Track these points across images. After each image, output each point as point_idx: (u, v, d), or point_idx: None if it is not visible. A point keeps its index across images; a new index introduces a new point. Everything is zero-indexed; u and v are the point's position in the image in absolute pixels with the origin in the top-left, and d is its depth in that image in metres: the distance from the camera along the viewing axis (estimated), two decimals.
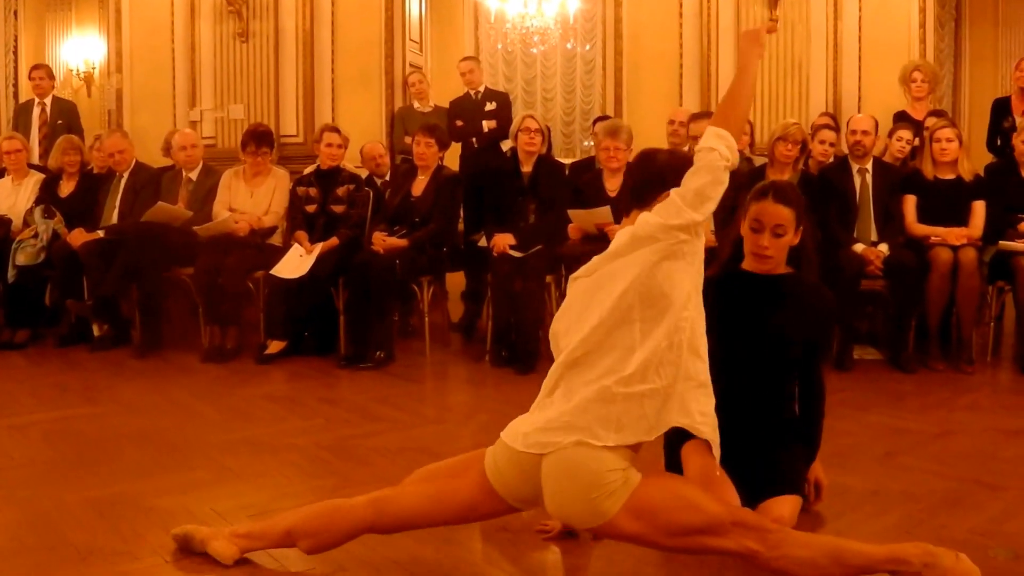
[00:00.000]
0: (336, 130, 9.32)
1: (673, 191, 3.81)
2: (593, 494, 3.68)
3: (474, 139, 11.96)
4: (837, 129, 9.78)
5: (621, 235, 3.92)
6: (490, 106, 12.05)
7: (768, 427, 4.43)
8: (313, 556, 4.02)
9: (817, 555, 3.66)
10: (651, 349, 3.73)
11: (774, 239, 4.39)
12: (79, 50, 17.76)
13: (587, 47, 18.23)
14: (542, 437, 3.79)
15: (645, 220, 3.81)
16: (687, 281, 3.78)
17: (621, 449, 3.71)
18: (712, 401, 3.85)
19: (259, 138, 9.23)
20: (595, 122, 11.15)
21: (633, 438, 3.73)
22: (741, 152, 9.56)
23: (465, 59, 13.15)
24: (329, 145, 9.11)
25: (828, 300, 4.57)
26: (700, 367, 3.81)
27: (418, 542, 4.23)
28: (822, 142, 8.98)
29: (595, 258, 3.98)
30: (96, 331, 9.22)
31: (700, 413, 3.78)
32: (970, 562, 3.69)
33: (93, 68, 17.58)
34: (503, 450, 3.92)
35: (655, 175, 3.99)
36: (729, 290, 4.13)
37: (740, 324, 4.18)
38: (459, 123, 11.97)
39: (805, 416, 4.57)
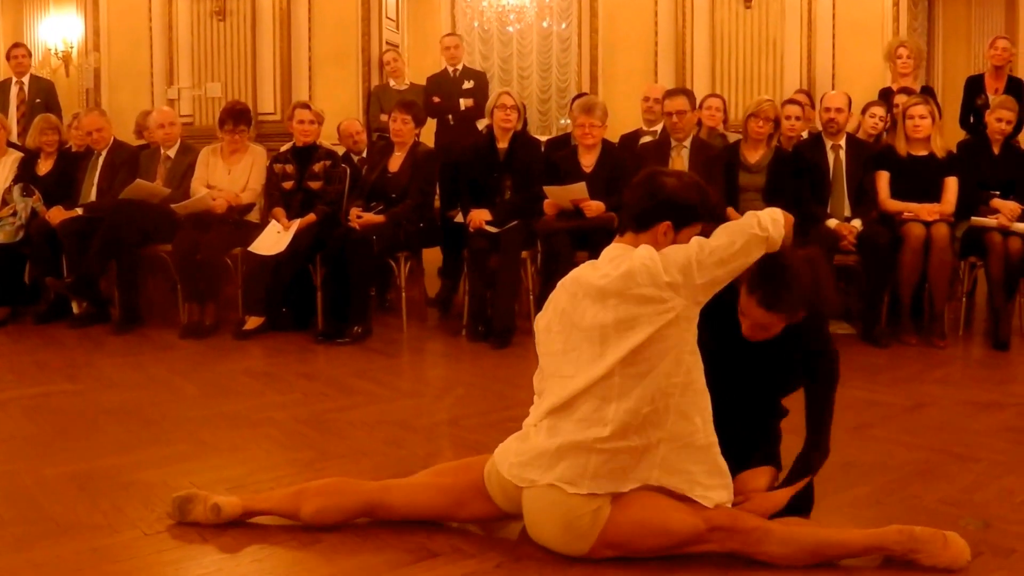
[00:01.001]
0: (307, 106, 9.34)
1: (695, 240, 3.79)
2: (565, 536, 3.77)
3: (450, 116, 11.99)
4: (812, 105, 9.86)
5: (615, 261, 3.88)
6: (468, 84, 12.10)
7: (756, 433, 4.40)
8: (289, 530, 4.06)
9: (796, 551, 3.70)
10: (631, 411, 3.71)
11: (760, 330, 4.15)
12: (57, 29, 17.69)
13: (563, 26, 18.26)
14: (522, 471, 3.87)
15: (644, 265, 3.74)
16: (679, 347, 3.75)
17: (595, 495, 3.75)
18: (700, 458, 3.82)
19: (237, 116, 9.22)
20: (573, 100, 11.19)
21: (606, 488, 3.74)
22: (714, 128, 9.71)
23: (450, 35, 13.34)
24: (301, 122, 9.11)
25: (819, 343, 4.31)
26: (689, 428, 3.77)
27: None
28: (787, 117, 8.99)
29: (586, 275, 3.95)
30: (75, 308, 9.22)
31: (685, 472, 3.78)
32: (960, 541, 3.75)
33: (71, 47, 17.51)
34: (493, 467, 4.00)
35: (658, 207, 3.93)
36: (722, 318, 4.07)
37: (727, 354, 4.10)
38: (436, 99, 12.00)
39: (811, 430, 4.31)
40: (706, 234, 3.85)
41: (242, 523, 4.15)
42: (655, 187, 3.99)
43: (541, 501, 3.81)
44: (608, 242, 4.05)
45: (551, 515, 3.79)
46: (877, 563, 3.74)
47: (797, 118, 9.22)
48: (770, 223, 3.80)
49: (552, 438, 3.82)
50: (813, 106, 10.18)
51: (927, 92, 9.91)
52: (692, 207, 3.95)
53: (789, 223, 3.93)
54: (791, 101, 9.58)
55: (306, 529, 4.08)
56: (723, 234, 3.78)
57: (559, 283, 4.07)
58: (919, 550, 3.70)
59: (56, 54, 17.60)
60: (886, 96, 9.93)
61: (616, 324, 3.76)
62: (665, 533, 3.73)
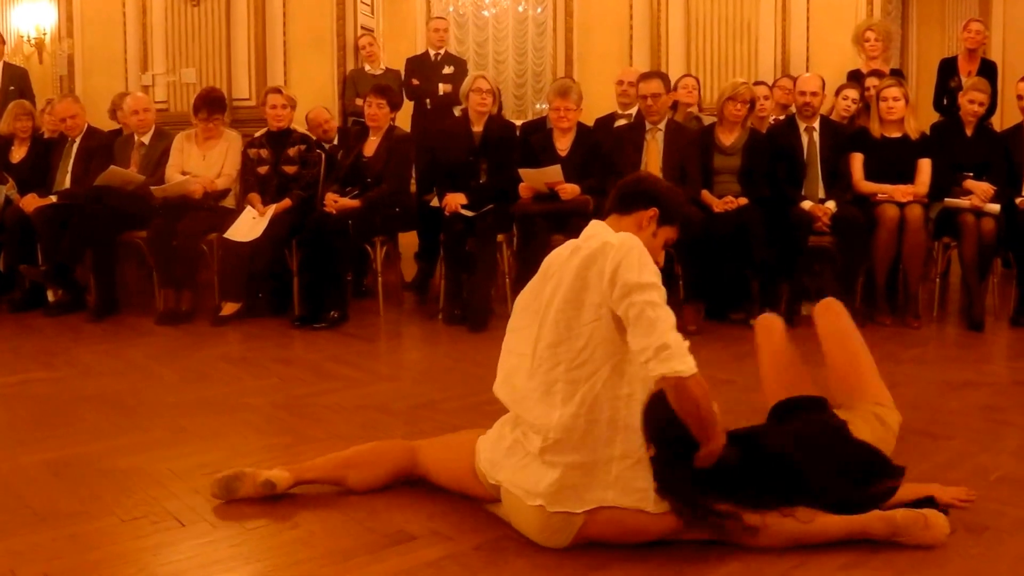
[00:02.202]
0: (279, 91, 9.32)
1: (660, 293, 3.63)
2: (542, 535, 3.78)
3: (428, 100, 11.99)
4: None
5: (591, 237, 3.86)
6: (448, 70, 12.09)
7: None
8: (267, 515, 4.08)
9: (775, 540, 3.70)
10: (572, 416, 3.69)
11: None
12: (30, 16, 17.60)
13: (538, 10, 18.25)
14: (492, 470, 3.96)
15: (604, 253, 3.68)
16: (617, 354, 3.70)
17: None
18: (650, 473, 3.72)
19: (211, 104, 9.18)
20: None
21: (563, 507, 3.72)
22: (689, 112, 9.73)
23: (439, 17, 13.47)
24: (273, 107, 9.12)
25: None
26: (639, 442, 3.70)
27: (372, 495, 4.31)
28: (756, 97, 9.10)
29: (560, 254, 3.94)
30: (51, 296, 9.20)
31: (641, 491, 3.71)
32: (940, 518, 3.79)
33: (44, 34, 17.44)
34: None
35: (649, 193, 3.99)
36: None
37: None
38: (415, 81, 12.00)
39: None
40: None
41: (219, 509, 4.17)
42: (648, 182, 4.09)
43: (510, 502, 3.86)
44: (584, 225, 4.05)
45: (525, 516, 3.81)
46: (857, 540, 3.75)
47: (765, 98, 9.37)
48: (673, 371, 3.52)
49: (512, 433, 3.93)
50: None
51: (896, 75, 9.95)
52: (676, 209, 4.01)
53: (704, 402, 3.60)
54: (759, 83, 9.69)
55: (284, 513, 4.10)
56: (667, 319, 3.59)
57: (550, 257, 4.05)
58: (900, 534, 3.73)
59: (29, 41, 17.52)
60: (856, 78, 9.97)
61: (561, 304, 3.78)
62: (640, 533, 3.73)
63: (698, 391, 3.56)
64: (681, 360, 3.52)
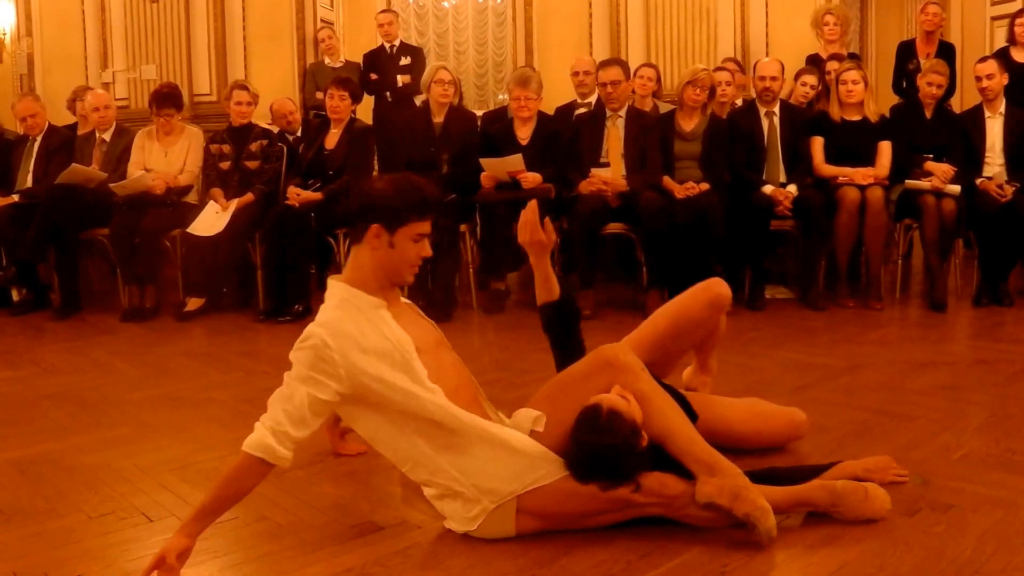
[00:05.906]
0: (245, 87, 9.31)
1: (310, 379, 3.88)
2: (485, 534, 3.75)
3: (388, 93, 11.97)
4: (743, 71, 9.97)
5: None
6: (405, 61, 12.08)
7: None
8: (234, 508, 4.05)
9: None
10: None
11: None
12: None
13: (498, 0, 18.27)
14: None
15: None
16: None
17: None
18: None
19: (161, 99, 9.16)
20: None
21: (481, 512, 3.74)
22: (649, 101, 9.73)
23: (384, 11, 13.28)
24: (239, 103, 9.13)
25: None
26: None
27: (338, 487, 4.33)
28: (718, 83, 9.12)
29: None
30: (15, 296, 9.19)
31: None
32: (881, 492, 3.78)
33: (3, 33, 17.33)
34: None
35: (362, 210, 3.80)
36: None
37: None
38: (373, 76, 11.98)
39: None
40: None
41: (185, 504, 4.16)
42: (362, 193, 3.85)
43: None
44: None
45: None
46: (800, 521, 3.77)
47: (728, 83, 9.38)
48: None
49: None
50: (743, 72, 10.29)
51: (853, 58, 10.01)
52: (401, 205, 3.73)
53: None
54: (721, 68, 9.72)
55: (251, 507, 4.06)
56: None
57: None
58: (841, 504, 3.74)
59: None
60: (815, 63, 10.03)
61: None
62: (590, 497, 3.67)
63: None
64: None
